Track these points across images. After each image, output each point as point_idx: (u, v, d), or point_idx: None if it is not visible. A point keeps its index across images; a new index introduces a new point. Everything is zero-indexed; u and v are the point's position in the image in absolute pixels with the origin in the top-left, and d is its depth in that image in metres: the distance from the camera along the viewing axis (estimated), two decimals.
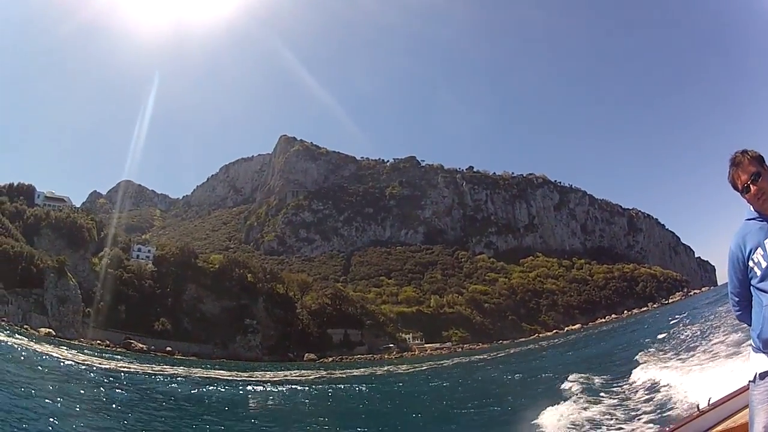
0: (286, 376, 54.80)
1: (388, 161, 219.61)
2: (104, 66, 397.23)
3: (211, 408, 25.12)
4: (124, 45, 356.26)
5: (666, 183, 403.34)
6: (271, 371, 61.71)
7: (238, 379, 47.68)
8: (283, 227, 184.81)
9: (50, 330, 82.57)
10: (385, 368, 68.90)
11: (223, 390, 34.81)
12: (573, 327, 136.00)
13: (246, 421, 24.47)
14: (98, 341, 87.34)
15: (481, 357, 77.14)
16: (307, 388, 40.85)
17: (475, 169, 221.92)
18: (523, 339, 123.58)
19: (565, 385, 21.24)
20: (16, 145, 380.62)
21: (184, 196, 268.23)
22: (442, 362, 74.25)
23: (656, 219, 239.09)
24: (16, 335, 58.98)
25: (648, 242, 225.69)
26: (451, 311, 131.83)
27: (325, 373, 61.41)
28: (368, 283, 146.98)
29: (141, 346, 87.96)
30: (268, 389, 36.98)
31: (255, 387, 38.16)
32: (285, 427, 22.88)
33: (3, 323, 78.43)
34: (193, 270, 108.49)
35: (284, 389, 39.51)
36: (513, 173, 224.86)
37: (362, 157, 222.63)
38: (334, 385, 42.98)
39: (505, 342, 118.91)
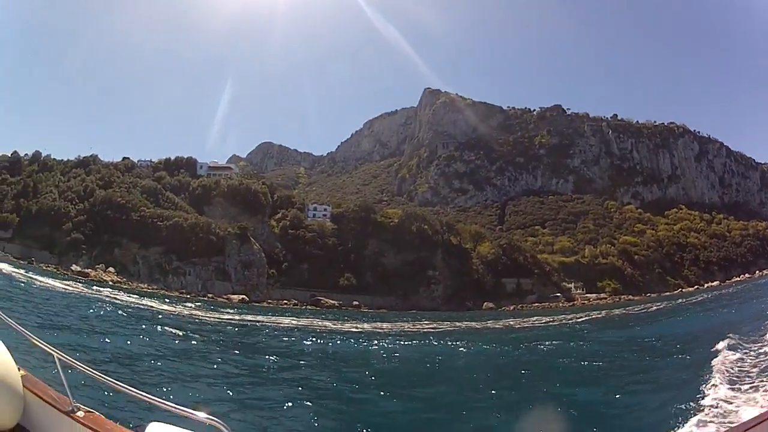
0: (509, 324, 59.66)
1: (534, 110, 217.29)
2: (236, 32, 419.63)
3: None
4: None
5: None
6: (475, 321, 65.64)
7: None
8: (436, 178, 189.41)
9: (244, 296, 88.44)
10: (570, 317, 69.09)
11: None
12: (712, 283, 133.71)
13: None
14: (285, 301, 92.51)
15: (639, 309, 78.43)
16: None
17: (619, 117, 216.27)
18: (667, 293, 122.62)
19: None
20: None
21: (328, 153, 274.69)
22: (612, 311, 77.07)
23: None
24: (212, 306, 64.42)
25: None
26: (605, 262, 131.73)
27: (523, 321, 64.93)
28: (524, 232, 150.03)
29: (331, 302, 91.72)
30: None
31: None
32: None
33: (182, 294, 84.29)
34: (372, 225, 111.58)
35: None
36: (655, 122, 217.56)
37: (508, 107, 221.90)
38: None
39: (653, 295, 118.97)
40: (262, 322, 47.42)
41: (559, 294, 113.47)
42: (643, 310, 73.71)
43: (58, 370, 3.99)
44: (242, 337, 31.40)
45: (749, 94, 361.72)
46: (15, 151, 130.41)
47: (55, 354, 4.02)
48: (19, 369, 4.13)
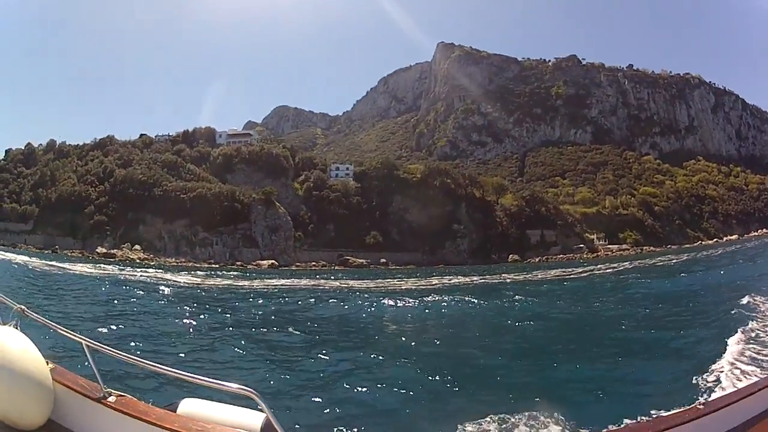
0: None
1: (549, 61, 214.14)
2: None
3: None
4: None
5: None
6: (510, 273, 63.90)
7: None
8: (454, 132, 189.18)
9: (273, 261, 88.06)
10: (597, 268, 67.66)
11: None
12: (731, 237, 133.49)
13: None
14: (313, 263, 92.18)
15: (663, 260, 76.51)
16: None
17: (635, 67, 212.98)
18: (687, 245, 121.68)
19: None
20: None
21: (344, 112, 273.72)
22: (639, 262, 74.32)
23: None
24: (247, 275, 61.51)
25: None
26: (626, 213, 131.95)
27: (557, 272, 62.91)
28: (544, 183, 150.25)
29: (360, 261, 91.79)
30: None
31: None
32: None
33: (211, 265, 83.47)
34: (396, 182, 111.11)
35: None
36: (671, 72, 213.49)
37: (523, 58, 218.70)
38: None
39: (673, 247, 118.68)
40: (295, 286, 46.53)
41: (582, 245, 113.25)
42: (666, 262, 72.67)
43: (87, 357, 3.98)
44: (275, 304, 30.32)
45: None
46: (29, 143, 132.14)
47: (83, 341, 3.99)
48: (47, 363, 4.13)
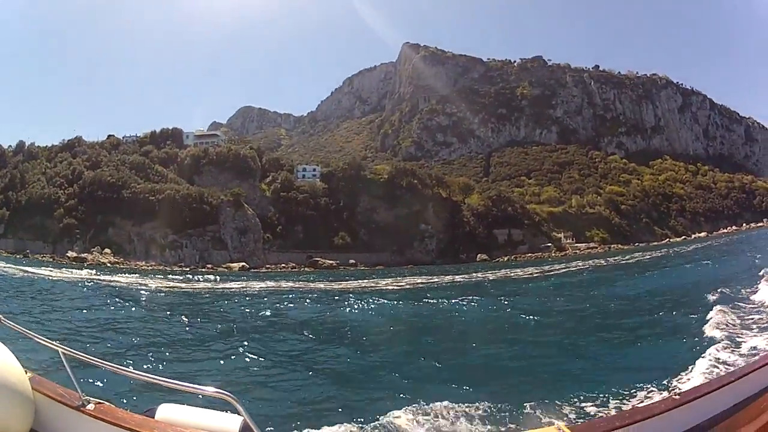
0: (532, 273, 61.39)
1: (515, 61, 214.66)
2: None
3: None
4: None
5: None
6: (487, 271, 65.60)
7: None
8: (419, 132, 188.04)
9: (243, 263, 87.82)
10: (571, 265, 69.76)
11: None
12: (699, 234, 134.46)
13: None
14: (283, 264, 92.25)
15: (633, 258, 77.12)
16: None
17: (600, 68, 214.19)
18: (655, 243, 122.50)
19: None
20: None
21: (308, 113, 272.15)
22: (606, 260, 75.52)
23: None
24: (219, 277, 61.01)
25: (764, 154, 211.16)
26: (592, 212, 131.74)
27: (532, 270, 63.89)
28: (510, 183, 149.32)
29: (329, 262, 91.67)
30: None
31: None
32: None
33: (181, 268, 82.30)
34: (363, 182, 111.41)
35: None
36: (637, 73, 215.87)
37: (489, 59, 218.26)
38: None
39: (641, 244, 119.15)
40: (265, 288, 46.30)
41: (549, 244, 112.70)
42: (636, 259, 73.54)
43: (64, 365, 3.87)
44: (253, 308, 29.88)
45: (734, 47, 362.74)
46: None
47: (60, 349, 3.90)
48: (26, 372, 3.99)
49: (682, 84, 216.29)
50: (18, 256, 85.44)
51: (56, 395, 3.95)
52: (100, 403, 3.90)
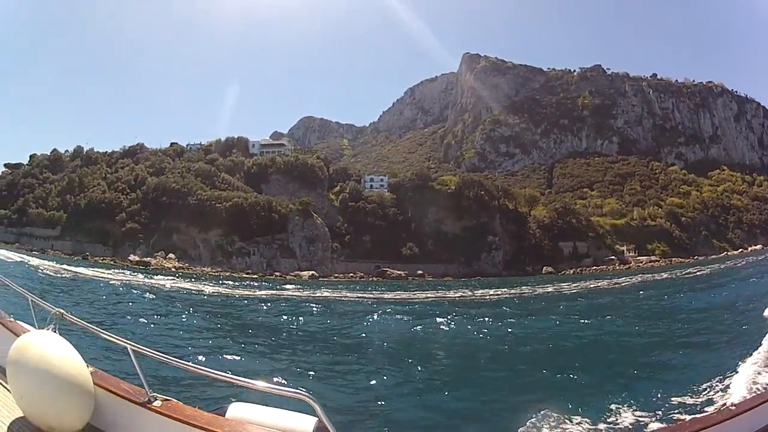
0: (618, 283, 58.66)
1: (574, 71, 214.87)
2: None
3: None
4: None
5: None
6: (563, 282, 66.20)
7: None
8: (482, 143, 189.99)
9: (313, 272, 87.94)
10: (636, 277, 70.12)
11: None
12: (756, 247, 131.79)
13: None
14: (351, 274, 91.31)
15: (694, 272, 76.59)
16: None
17: (658, 77, 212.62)
18: (714, 256, 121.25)
19: None
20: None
21: (370, 123, 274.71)
22: (668, 274, 75.57)
23: None
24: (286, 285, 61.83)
25: None
26: (653, 224, 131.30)
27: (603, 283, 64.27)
28: (573, 195, 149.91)
29: (398, 273, 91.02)
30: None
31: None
32: None
33: (249, 275, 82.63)
34: (430, 193, 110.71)
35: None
36: (693, 81, 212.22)
37: (549, 68, 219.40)
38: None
39: (700, 258, 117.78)
40: (343, 298, 46.18)
41: (613, 257, 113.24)
42: (697, 273, 73.32)
43: (132, 361, 4.00)
44: (327, 316, 30.24)
45: None
46: (54, 149, 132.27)
47: (128, 346, 4.03)
48: (88, 366, 4.15)
49: (736, 91, 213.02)
50: (76, 258, 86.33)
51: (120, 390, 4.05)
52: (167, 399, 3.98)
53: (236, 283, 61.87)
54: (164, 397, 4.00)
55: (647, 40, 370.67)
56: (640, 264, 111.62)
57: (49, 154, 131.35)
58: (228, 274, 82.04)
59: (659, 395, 12.55)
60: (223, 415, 3.77)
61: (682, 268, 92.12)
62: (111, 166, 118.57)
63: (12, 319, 5.36)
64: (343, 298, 46.18)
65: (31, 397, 3.85)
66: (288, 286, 60.67)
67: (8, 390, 4.21)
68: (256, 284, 62.80)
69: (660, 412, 11.29)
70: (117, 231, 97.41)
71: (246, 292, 48.57)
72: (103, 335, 4.39)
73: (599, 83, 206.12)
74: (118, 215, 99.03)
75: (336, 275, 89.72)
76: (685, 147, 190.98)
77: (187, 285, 51.81)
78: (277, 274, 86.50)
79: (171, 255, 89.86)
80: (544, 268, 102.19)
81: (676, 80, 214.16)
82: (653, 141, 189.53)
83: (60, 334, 4.28)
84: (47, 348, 3.95)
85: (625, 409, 11.64)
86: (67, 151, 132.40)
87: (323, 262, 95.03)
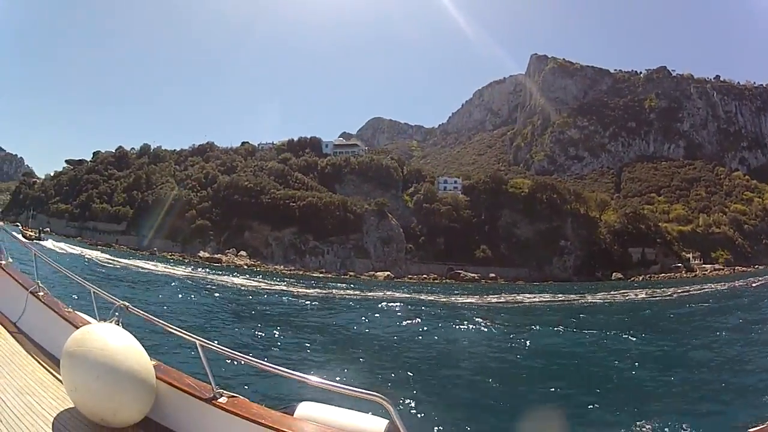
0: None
1: (641, 72, 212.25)
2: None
3: None
4: None
5: None
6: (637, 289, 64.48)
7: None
8: (551, 146, 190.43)
9: (388, 273, 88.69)
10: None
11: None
12: None
13: None
14: (424, 276, 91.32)
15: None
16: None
17: (721, 78, 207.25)
18: None
19: None
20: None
21: (440, 125, 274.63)
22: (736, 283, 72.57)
23: None
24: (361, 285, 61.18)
25: None
26: (718, 231, 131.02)
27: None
28: (641, 200, 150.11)
29: (471, 275, 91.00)
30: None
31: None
32: None
33: (324, 274, 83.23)
34: (504, 196, 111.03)
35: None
36: (755, 83, 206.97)
37: (616, 70, 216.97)
38: None
39: (761, 267, 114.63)
40: (437, 302, 45.13)
41: (680, 264, 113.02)
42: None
43: (200, 356, 4.01)
44: (406, 318, 29.02)
45: None
46: (120, 146, 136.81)
47: (197, 341, 4.03)
48: (151, 359, 4.16)
49: None
50: (143, 253, 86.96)
51: (183, 385, 4.06)
52: (233, 396, 3.95)
53: (312, 282, 62.94)
54: (230, 393, 4.04)
55: (709, 40, 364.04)
56: (705, 272, 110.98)
57: (114, 151, 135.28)
58: (301, 273, 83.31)
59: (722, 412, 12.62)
60: (292, 414, 3.78)
61: (747, 277, 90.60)
62: (180, 164, 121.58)
63: (70, 310, 5.41)
64: (435, 301, 45.94)
65: (86, 388, 3.81)
66: (363, 287, 60.68)
67: (60, 381, 4.25)
68: (332, 283, 62.95)
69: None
70: (186, 227, 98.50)
71: (323, 292, 48.38)
72: (169, 329, 4.43)
73: (665, 85, 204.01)
74: (188, 212, 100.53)
75: (410, 276, 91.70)
76: (748, 152, 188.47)
77: (258, 283, 52.07)
78: (351, 273, 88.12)
79: (242, 252, 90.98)
80: (614, 274, 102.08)
81: (738, 82, 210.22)
82: (718, 145, 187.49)
83: (123, 328, 4.33)
84: (109, 339, 3.97)
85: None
86: (133, 148, 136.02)
87: (397, 262, 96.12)
